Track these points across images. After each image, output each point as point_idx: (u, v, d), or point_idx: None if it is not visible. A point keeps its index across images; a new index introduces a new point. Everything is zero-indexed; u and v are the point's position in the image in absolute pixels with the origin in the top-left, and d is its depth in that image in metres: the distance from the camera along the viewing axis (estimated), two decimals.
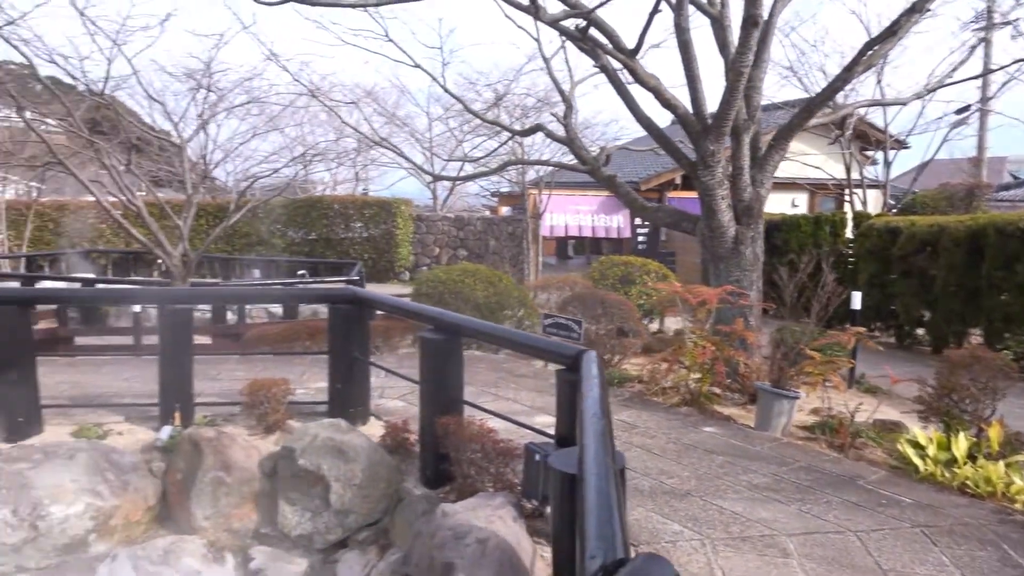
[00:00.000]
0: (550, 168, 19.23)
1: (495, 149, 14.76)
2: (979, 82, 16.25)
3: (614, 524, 1.69)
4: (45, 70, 9.63)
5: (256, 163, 12.88)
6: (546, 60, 10.27)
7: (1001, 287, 9.62)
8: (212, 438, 4.71)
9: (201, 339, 8.86)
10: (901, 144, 18.78)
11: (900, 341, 11.64)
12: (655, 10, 7.13)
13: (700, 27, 12.27)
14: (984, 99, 16.99)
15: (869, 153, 20.05)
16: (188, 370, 5.26)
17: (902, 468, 4.93)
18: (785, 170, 10.38)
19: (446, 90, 10.99)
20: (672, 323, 11.36)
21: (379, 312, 6.55)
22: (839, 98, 13.83)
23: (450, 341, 4.38)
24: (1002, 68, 14.10)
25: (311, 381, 6.53)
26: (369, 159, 26.47)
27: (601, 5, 7.08)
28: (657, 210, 9.64)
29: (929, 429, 5.37)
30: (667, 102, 7.55)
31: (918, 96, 10.68)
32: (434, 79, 10.73)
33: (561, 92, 10.18)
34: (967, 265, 10.12)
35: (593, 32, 7.49)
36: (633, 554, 1.81)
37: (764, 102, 8.64)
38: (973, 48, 12.77)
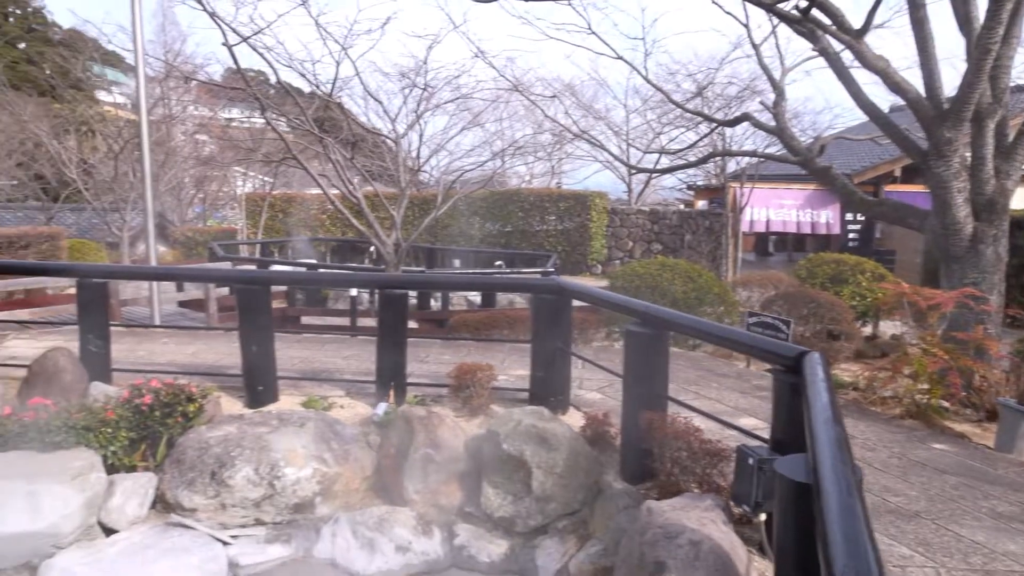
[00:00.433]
0: (752, 160, 18.40)
1: (695, 142, 14.36)
2: None
3: (864, 542, 1.55)
4: (280, 75, 10.66)
5: (458, 157, 13.46)
6: (755, 46, 9.79)
7: None
8: (423, 417, 4.96)
9: (409, 323, 9.42)
10: None
11: None
12: None
13: (935, 1, 11.16)
14: None
15: None
16: (402, 351, 5.58)
17: None
18: None
19: (648, 80, 10.83)
20: (888, 327, 10.45)
21: (576, 304, 6.58)
22: None
23: (657, 335, 4.29)
24: None
25: (511, 368, 6.70)
26: (565, 153, 26.73)
27: None
28: (879, 204, 8.86)
29: None
30: (896, 85, 6.91)
31: None
32: (636, 70, 10.62)
33: (771, 78, 9.67)
34: None
35: (814, 13, 7.01)
36: None
37: (1012, 83, 7.66)
38: None
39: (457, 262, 18.32)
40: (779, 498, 2.27)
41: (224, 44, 8.53)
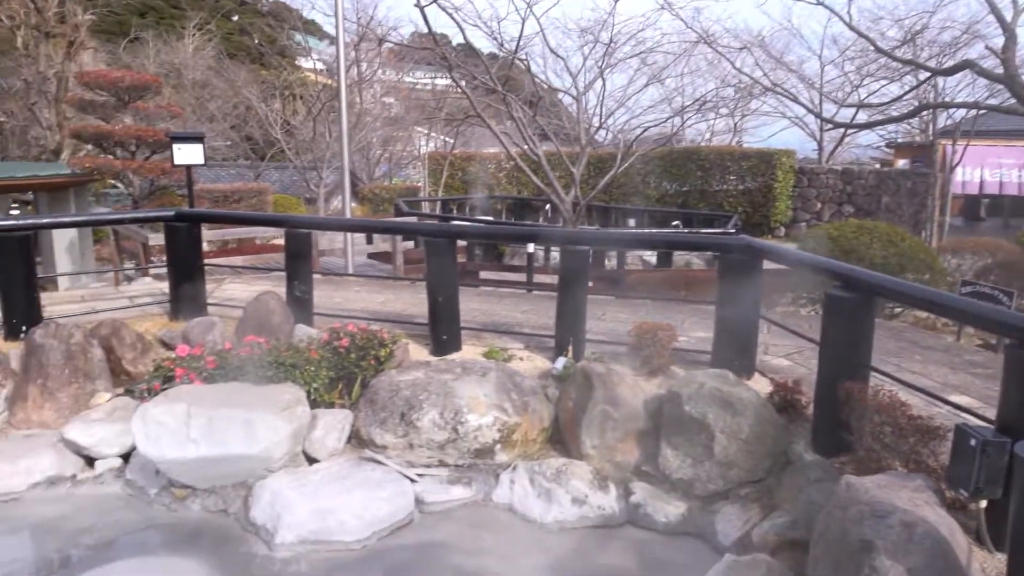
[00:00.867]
0: (967, 115, 16.48)
1: (902, 94, 13.05)
2: None
3: None
4: (466, 34, 10.87)
5: (636, 115, 13.15)
6: None
7: None
8: (603, 373, 4.94)
9: None
10: None
11: None
12: None
13: None
14: None
15: None
16: (582, 308, 5.57)
17: None
18: None
19: (851, 27, 9.97)
20: None
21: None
22: None
23: (861, 301, 3.96)
24: None
25: (691, 330, 6.50)
26: (749, 109, 25.38)
27: None
28: None
29: None
30: None
31: None
32: (837, 16, 9.78)
33: (1000, 20, 8.54)
34: None
35: None
36: None
37: None
38: None
39: (632, 222, 18.05)
40: (1019, 486, 2.01)
41: (416, 5, 8.78)
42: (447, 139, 25.36)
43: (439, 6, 8.73)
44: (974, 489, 2.93)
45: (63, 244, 12.44)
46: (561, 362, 5.38)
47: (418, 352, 5.91)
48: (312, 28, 28.64)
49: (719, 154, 21.29)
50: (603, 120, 13.18)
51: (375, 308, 7.16)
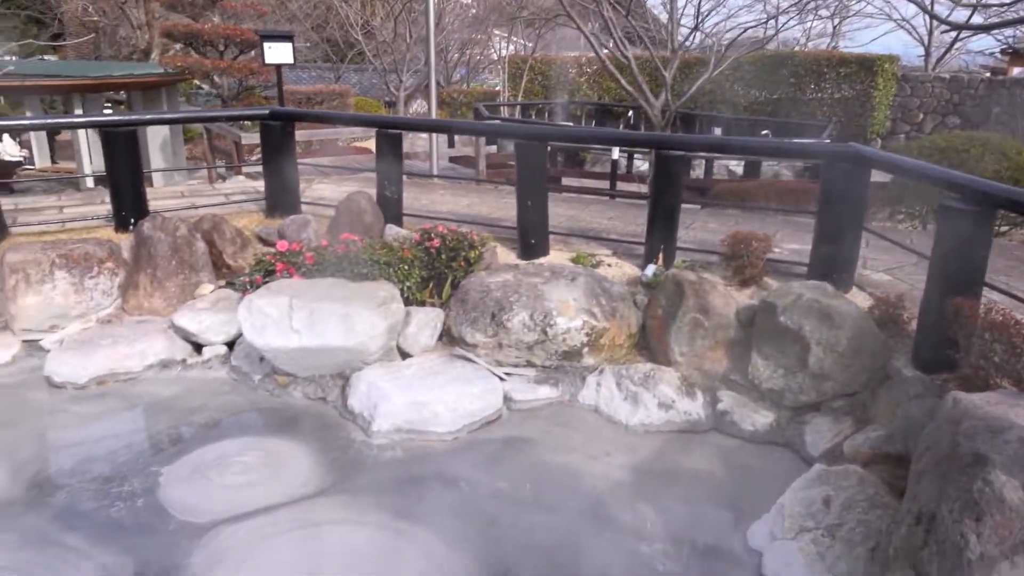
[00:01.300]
0: None
1: None
2: None
3: None
4: None
5: (726, 17, 12.41)
6: None
7: None
8: (694, 281, 4.88)
9: None
10: None
11: None
12: None
13: None
14: None
15: None
16: (675, 215, 5.47)
17: None
18: None
19: None
20: None
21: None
22: None
23: (981, 214, 3.75)
24: None
25: (783, 241, 6.33)
26: (851, 10, 23.70)
27: None
28: None
29: None
30: None
31: None
32: None
33: None
34: None
35: None
36: None
37: None
38: None
39: (717, 130, 17.37)
40: None
41: None
42: (526, 43, 24.67)
43: None
44: None
45: (157, 143, 12.86)
46: (651, 269, 5.33)
47: (505, 255, 5.95)
48: None
49: (814, 60, 20.03)
50: (699, 20, 12.53)
51: (461, 211, 7.20)
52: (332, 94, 18.89)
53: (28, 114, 14.77)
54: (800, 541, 3.38)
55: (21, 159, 16.99)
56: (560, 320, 4.86)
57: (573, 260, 5.72)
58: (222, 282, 5.80)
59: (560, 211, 7.39)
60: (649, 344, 5.16)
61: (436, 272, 5.35)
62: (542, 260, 5.77)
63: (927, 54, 22.72)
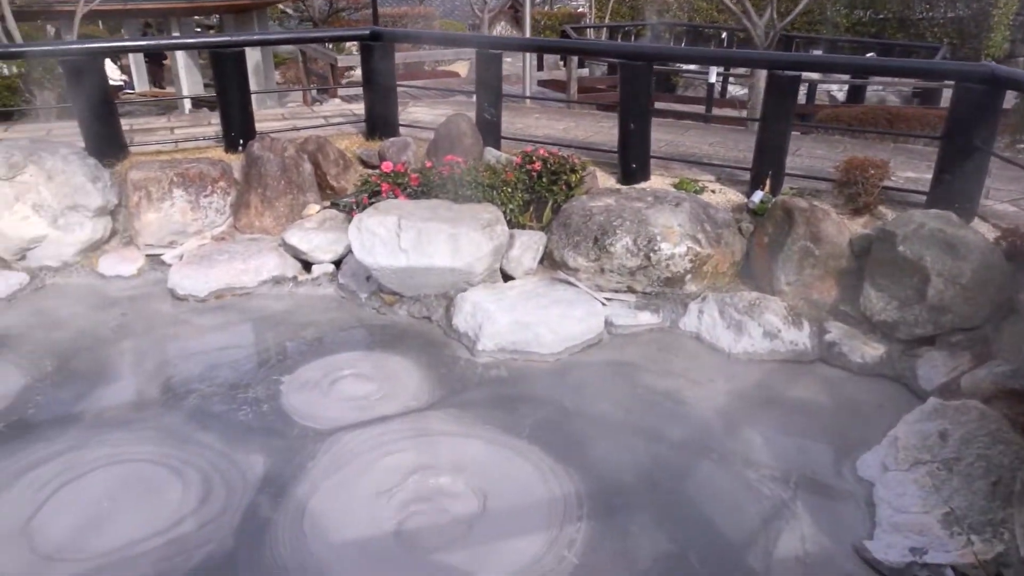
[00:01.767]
0: None
1: None
2: None
3: None
4: None
5: None
6: None
7: None
8: (805, 209, 4.73)
9: None
10: None
11: None
12: None
13: None
14: None
15: None
16: (785, 139, 5.28)
17: None
18: None
19: None
20: None
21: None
22: None
23: None
24: None
25: (896, 170, 6.03)
26: None
27: None
28: None
29: None
30: None
31: None
32: None
33: None
34: None
35: None
36: None
37: None
38: None
39: (818, 53, 16.46)
40: None
41: None
42: None
43: None
44: None
45: (250, 66, 13.07)
46: (758, 196, 5.19)
47: (605, 180, 5.88)
48: None
49: None
50: None
51: (557, 135, 7.11)
52: (417, 16, 18.71)
53: (128, 38, 15.19)
54: (915, 473, 3.34)
55: (122, 83, 17.61)
56: (664, 246, 4.82)
57: (675, 185, 5.62)
58: (326, 203, 5.95)
59: (657, 136, 7.18)
60: (753, 272, 5.07)
61: (537, 195, 5.35)
62: (643, 185, 5.68)
63: None
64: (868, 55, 15.04)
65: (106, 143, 5.90)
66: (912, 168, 5.94)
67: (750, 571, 2.95)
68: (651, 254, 4.81)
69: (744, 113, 9.80)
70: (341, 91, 9.56)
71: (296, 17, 19.62)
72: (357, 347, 4.68)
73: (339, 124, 7.38)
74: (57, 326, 4.81)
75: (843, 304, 4.65)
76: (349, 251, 5.24)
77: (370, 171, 5.83)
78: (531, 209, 5.38)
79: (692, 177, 5.80)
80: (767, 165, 5.30)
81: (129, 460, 3.56)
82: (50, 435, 3.72)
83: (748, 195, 5.34)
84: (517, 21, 22.31)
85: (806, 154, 6.50)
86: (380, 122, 6.69)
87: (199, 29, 18.55)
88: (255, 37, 9.96)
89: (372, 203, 5.12)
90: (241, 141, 6.19)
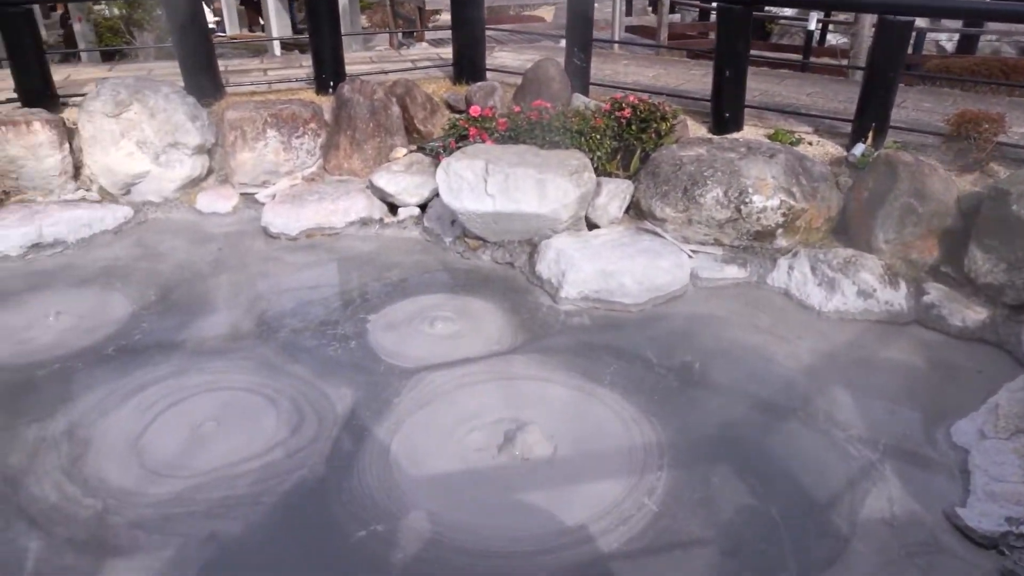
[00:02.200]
0: None
1: None
2: None
3: None
4: None
5: None
6: None
7: None
8: (910, 163, 4.50)
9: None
10: None
11: None
12: None
13: None
14: None
15: None
16: (892, 90, 4.99)
17: None
18: None
19: None
20: None
21: None
22: None
23: None
24: None
25: (1015, 124, 5.64)
26: None
27: None
28: None
29: None
30: None
31: None
32: None
33: None
34: None
35: None
36: None
37: None
38: None
39: None
40: None
41: None
42: None
43: None
44: None
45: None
46: (859, 149, 4.96)
47: (695, 129, 5.73)
48: None
49: None
50: None
51: (646, 82, 6.93)
52: None
53: None
54: (1015, 442, 3.21)
55: (213, 25, 17.99)
56: (756, 198, 4.67)
57: (770, 136, 5.41)
58: (413, 146, 5.99)
59: (751, 85, 6.90)
60: (849, 229, 4.88)
61: (625, 143, 5.25)
62: (736, 135, 5.50)
63: None
64: None
65: (204, 83, 6.07)
66: None
67: (834, 529, 2.91)
68: (742, 206, 4.68)
69: (846, 62, 9.30)
70: (428, 35, 9.53)
71: None
72: (441, 290, 4.75)
73: (426, 68, 7.38)
74: (159, 258, 5.05)
75: (945, 265, 4.44)
76: (435, 195, 5.29)
77: (457, 115, 5.83)
78: (618, 157, 5.29)
79: (788, 128, 5.58)
80: (871, 117, 5.05)
81: (227, 388, 3.74)
82: (155, 360, 3.94)
83: (848, 148, 5.11)
84: None
85: (912, 106, 6.15)
86: (467, 66, 6.65)
87: None
88: None
89: (459, 147, 5.12)
90: (332, 83, 6.26)
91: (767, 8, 11.29)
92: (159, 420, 3.48)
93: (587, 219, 5.00)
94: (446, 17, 10.65)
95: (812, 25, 9.40)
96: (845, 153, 5.10)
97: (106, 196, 5.61)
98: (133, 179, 5.55)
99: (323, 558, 2.77)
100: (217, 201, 5.66)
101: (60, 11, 13.89)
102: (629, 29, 12.02)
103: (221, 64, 7.02)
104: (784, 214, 4.69)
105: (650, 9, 14.32)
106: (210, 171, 5.88)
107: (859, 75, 7.79)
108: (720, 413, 3.59)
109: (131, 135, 5.43)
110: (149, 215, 5.59)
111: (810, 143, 5.36)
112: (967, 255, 4.27)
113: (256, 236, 5.36)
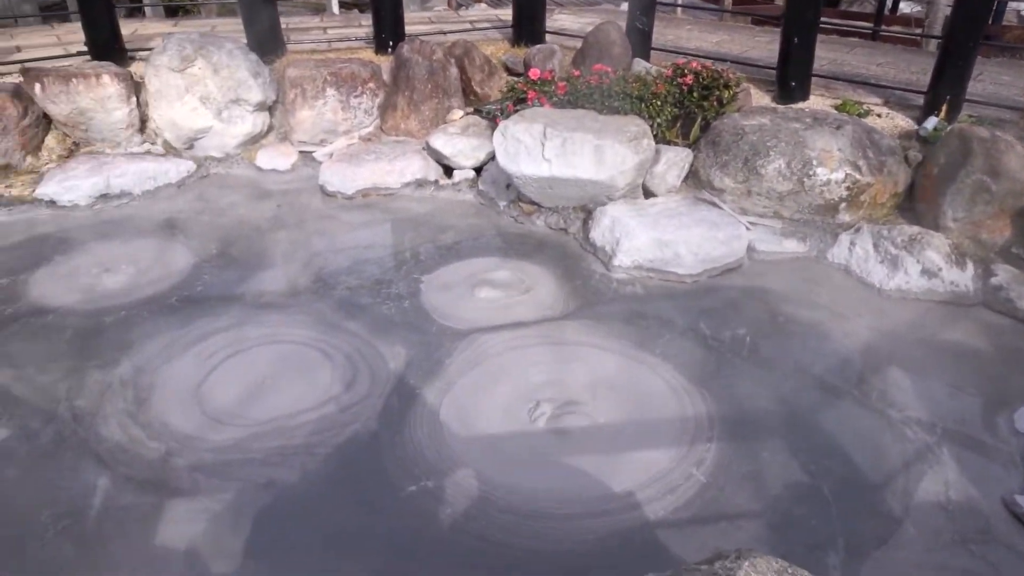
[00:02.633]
0: None
1: None
2: None
3: None
4: None
5: None
6: None
7: None
8: (986, 139, 4.32)
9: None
10: None
11: None
12: None
13: None
14: None
15: None
16: (969, 62, 4.79)
17: None
18: None
19: None
20: None
21: None
22: None
23: None
24: None
25: None
26: None
27: None
28: None
29: None
30: None
31: None
32: None
33: None
34: None
35: None
36: None
37: None
38: None
39: None
40: None
41: None
42: None
43: None
44: None
45: None
46: (932, 122, 4.78)
47: (759, 98, 5.59)
48: None
49: None
50: None
51: (709, 48, 6.77)
52: None
53: None
54: None
55: None
56: (820, 171, 4.55)
57: (837, 107, 5.25)
58: (470, 109, 5.97)
59: (819, 54, 6.69)
60: (914, 206, 4.73)
61: (686, 111, 5.14)
62: (801, 105, 5.35)
63: None
64: None
65: (266, 40, 6.13)
66: None
67: (887, 510, 2.87)
68: (805, 179, 4.56)
69: (919, 31, 8.92)
70: None
71: None
72: (494, 254, 4.75)
73: (484, 30, 7.32)
74: (219, 213, 5.16)
75: (1017, 246, 4.28)
76: (490, 158, 5.28)
77: (515, 78, 5.78)
78: (679, 125, 5.19)
79: (856, 99, 5.40)
80: (945, 89, 4.85)
81: (284, 341, 3.83)
82: (216, 311, 4.06)
83: (919, 121, 4.94)
84: None
85: (989, 79, 5.90)
86: (527, 28, 6.58)
87: None
88: None
89: (517, 110, 5.09)
90: (391, 43, 6.26)
91: None
92: (219, 369, 3.59)
93: (644, 187, 4.94)
94: None
95: None
96: (916, 127, 4.93)
97: (170, 150, 5.74)
98: (196, 134, 5.66)
99: (375, 509, 2.84)
100: (276, 158, 5.75)
101: None
102: None
103: (282, 22, 7.07)
104: (848, 188, 4.56)
105: None
106: (270, 128, 5.96)
107: (933, 45, 7.49)
108: (773, 388, 3.55)
109: (195, 90, 5.53)
110: (211, 170, 5.71)
111: (879, 115, 5.18)
112: None
113: (313, 194, 5.43)
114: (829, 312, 4.14)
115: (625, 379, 3.58)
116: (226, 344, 3.78)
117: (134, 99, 5.63)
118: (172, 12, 9.68)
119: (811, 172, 4.54)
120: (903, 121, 5.10)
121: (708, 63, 5.35)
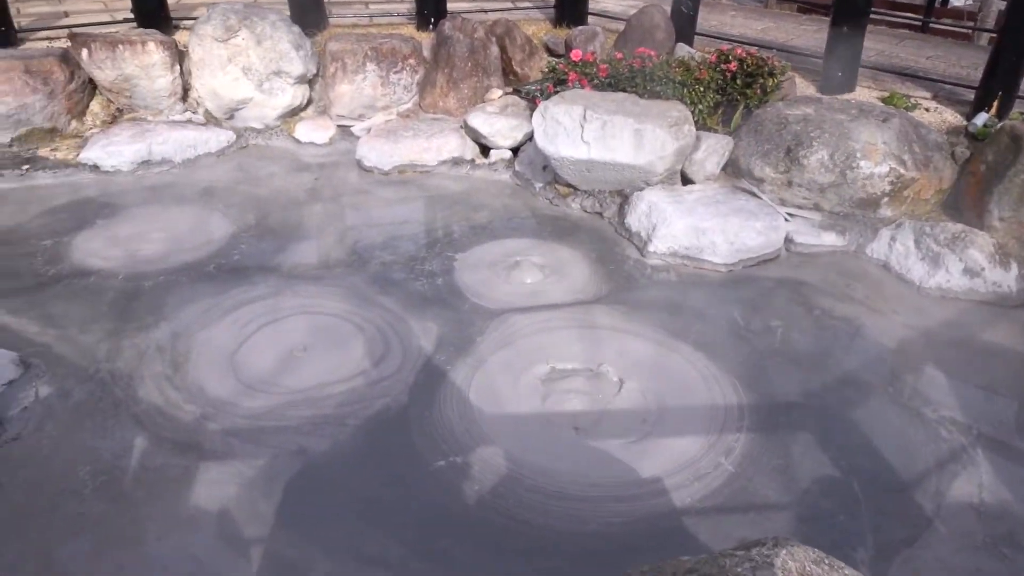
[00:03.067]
0: None
1: None
2: None
3: None
4: None
5: None
6: None
7: None
8: None
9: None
10: None
11: None
12: None
13: None
14: None
15: None
16: (1021, 57, 4.65)
17: None
18: None
19: None
20: None
21: None
22: None
23: None
24: None
25: None
26: None
27: None
28: None
29: None
30: None
31: None
32: None
33: None
34: None
35: None
36: None
37: None
38: None
39: None
40: None
41: None
42: None
43: None
44: None
45: None
46: (982, 118, 4.66)
47: (803, 87, 5.49)
48: None
49: None
50: None
51: (754, 35, 6.67)
52: None
53: None
54: None
55: None
56: (864, 164, 4.47)
57: (884, 100, 5.15)
58: (509, 88, 5.95)
59: (867, 44, 6.56)
60: (959, 203, 4.63)
61: (728, 97, 5.07)
62: (847, 96, 5.25)
63: None
64: None
65: (309, 12, 6.15)
66: None
67: (918, 509, 2.84)
68: (848, 171, 4.48)
69: (972, 25, 8.69)
70: None
71: None
72: (528, 235, 4.75)
73: (526, 9, 7.27)
74: (258, 183, 5.22)
75: None
76: (528, 139, 5.26)
77: (556, 59, 5.74)
78: (720, 111, 5.12)
79: (904, 92, 5.29)
80: (998, 85, 4.73)
81: (319, 312, 3.87)
82: (253, 280, 4.11)
83: (969, 117, 4.82)
84: None
85: None
86: (569, 9, 6.52)
87: None
88: None
89: (557, 92, 5.05)
90: (432, 20, 6.24)
91: None
92: (254, 337, 3.64)
93: (682, 174, 4.89)
94: None
95: None
96: (965, 122, 4.81)
97: (211, 119, 5.79)
98: (237, 104, 5.71)
99: (404, 482, 2.88)
100: (315, 131, 5.78)
101: None
102: None
103: None
104: (892, 182, 4.48)
105: None
106: (310, 101, 5.99)
107: (985, 39, 7.30)
108: (805, 381, 3.51)
109: (237, 60, 5.56)
110: (250, 140, 5.76)
111: (927, 109, 5.07)
112: None
113: (350, 168, 5.46)
114: (866, 308, 4.08)
115: (656, 365, 3.56)
116: (261, 313, 3.83)
117: (178, 67, 5.68)
118: None
119: (854, 165, 4.46)
120: (952, 116, 4.98)
121: (753, 50, 5.26)
